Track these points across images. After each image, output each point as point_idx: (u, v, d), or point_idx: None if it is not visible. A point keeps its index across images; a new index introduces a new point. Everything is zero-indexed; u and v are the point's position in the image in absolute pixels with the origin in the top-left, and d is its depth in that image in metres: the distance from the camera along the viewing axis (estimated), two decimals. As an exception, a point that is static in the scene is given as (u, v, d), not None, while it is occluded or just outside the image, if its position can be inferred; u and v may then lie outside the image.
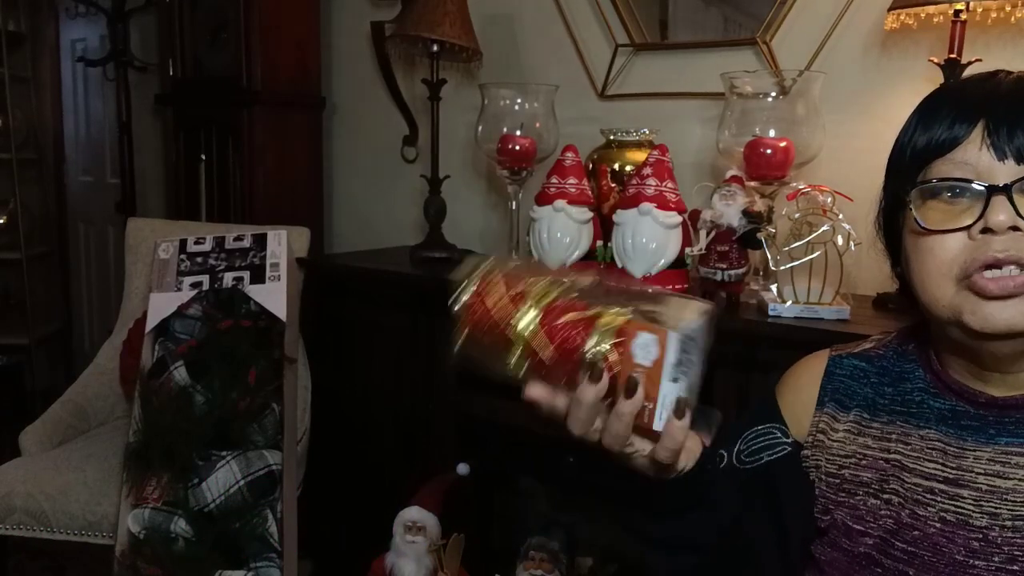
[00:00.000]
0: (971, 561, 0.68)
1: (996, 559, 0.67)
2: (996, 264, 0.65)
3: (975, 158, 0.67)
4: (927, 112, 0.73)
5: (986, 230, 0.65)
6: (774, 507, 0.79)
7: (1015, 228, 0.65)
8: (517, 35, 2.20)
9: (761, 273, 1.59)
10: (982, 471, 0.70)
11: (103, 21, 3.15)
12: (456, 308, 0.65)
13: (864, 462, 0.76)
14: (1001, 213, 0.65)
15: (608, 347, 0.62)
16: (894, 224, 0.76)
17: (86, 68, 3.41)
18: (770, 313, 1.38)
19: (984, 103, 0.68)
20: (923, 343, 0.79)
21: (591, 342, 0.62)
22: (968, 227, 0.67)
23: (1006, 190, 0.65)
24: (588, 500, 0.77)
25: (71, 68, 3.64)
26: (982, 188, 0.66)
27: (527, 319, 0.63)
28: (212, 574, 1.58)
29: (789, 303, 1.38)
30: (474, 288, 0.65)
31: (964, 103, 0.69)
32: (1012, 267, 0.65)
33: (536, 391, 0.65)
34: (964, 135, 0.68)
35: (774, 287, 1.42)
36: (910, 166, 0.73)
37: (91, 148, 3.65)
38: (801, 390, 0.84)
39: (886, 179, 0.78)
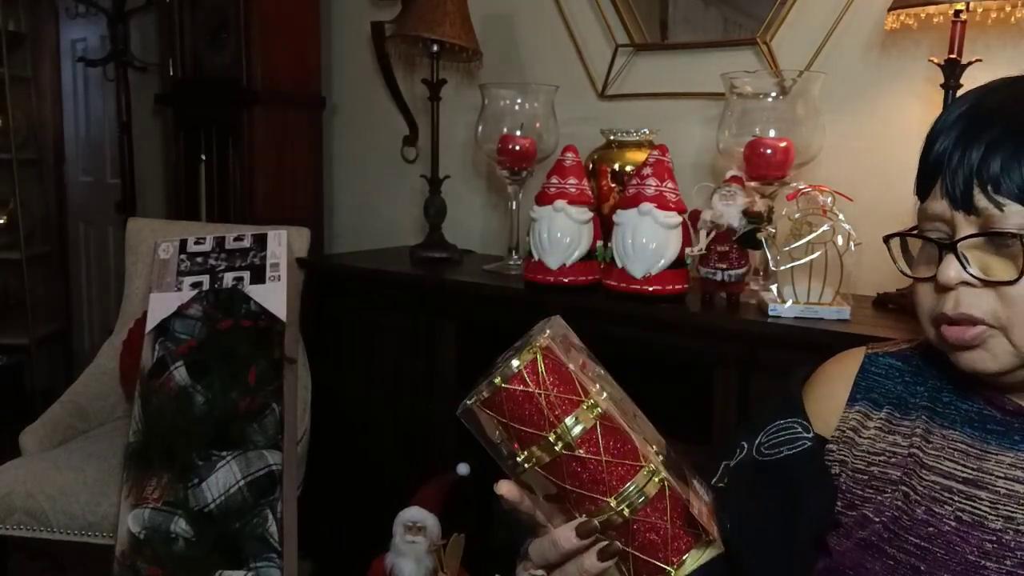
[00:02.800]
0: (983, 562, 0.68)
1: (1008, 562, 0.67)
2: (948, 322, 0.68)
3: (940, 207, 0.69)
4: (924, 145, 0.73)
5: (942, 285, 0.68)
6: (788, 499, 0.79)
7: (968, 283, 0.67)
8: (517, 35, 2.20)
9: (761, 273, 1.59)
10: (1002, 475, 0.70)
11: (103, 21, 3.15)
12: (499, 375, 0.57)
13: (893, 460, 0.76)
14: (950, 270, 0.67)
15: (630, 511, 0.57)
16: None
17: (86, 68, 3.41)
18: (770, 313, 1.38)
19: (946, 145, 0.69)
20: None
21: (622, 495, 0.57)
22: (932, 278, 0.70)
23: (952, 248, 0.67)
24: None
25: (71, 68, 3.64)
26: (934, 245, 0.69)
27: (575, 430, 0.56)
28: (212, 574, 1.58)
29: (789, 303, 1.38)
30: (527, 362, 0.56)
31: (938, 144, 0.70)
32: (966, 324, 0.67)
33: (514, 494, 0.61)
34: (932, 183, 0.70)
35: (774, 287, 1.42)
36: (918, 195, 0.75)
37: (91, 148, 3.65)
38: (833, 386, 0.84)
39: None
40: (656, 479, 0.57)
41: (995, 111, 0.67)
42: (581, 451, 0.56)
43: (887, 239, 0.75)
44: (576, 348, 0.62)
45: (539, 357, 0.57)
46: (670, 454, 0.61)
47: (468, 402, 0.58)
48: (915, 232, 0.72)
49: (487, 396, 0.57)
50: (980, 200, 0.65)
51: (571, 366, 0.58)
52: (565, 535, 0.59)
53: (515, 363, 0.56)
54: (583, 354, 0.62)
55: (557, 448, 0.56)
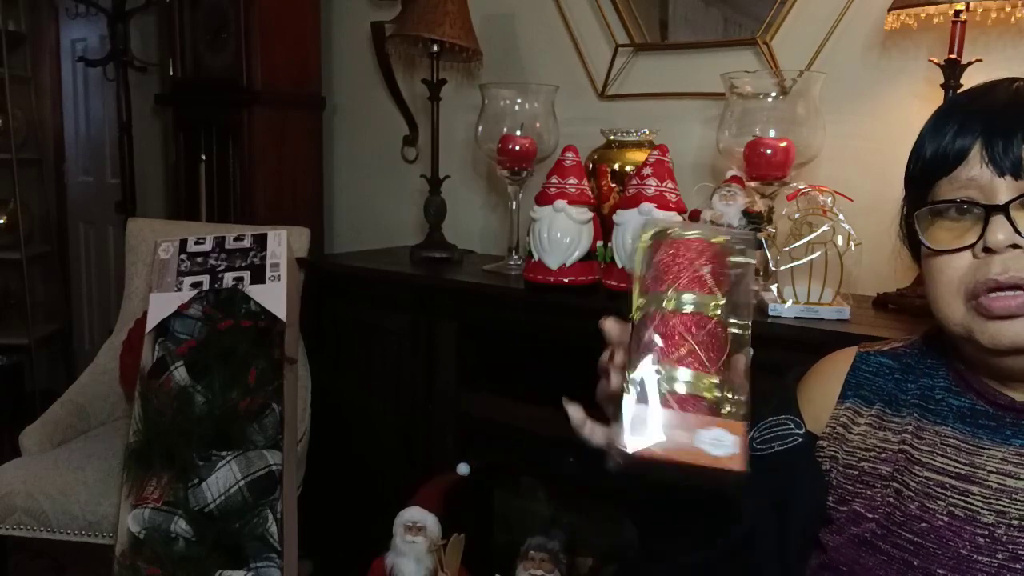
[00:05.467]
0: (975, 556, 0.68)
1: (1000, 556, 0.67)
2: (997, 287, 0.66)
3: (977, 175, 0.68)
4: (933, 127, 0.74)
5: (987, 249, 0.67)
6: (780, 494, 0.80)
7: (1016, 246, 0.66)
8: (517, 35, 2.20)
9: (761, 273, 1.59)
10: (994, 469, 0.70)
11: (103, 21, 3.15)
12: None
13: (883, 456, 0.77)
14: (999, 232, 0.66)
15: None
16: (915, 234, 0.77)
17: (86, 68, 3.41)
18: (770, 313, 1.38)
19: (981, 118, 0.69)
20: (948, 342, 0.80)
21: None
22: (972, 246, 0.68)
23: (1003, 209, 0.66)
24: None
25: (71, 68, 3.64)
26: (981, 210, 0.68)
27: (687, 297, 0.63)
28: (212, 574, 1.58)
29: (789, 303, 1.38)
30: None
31: (964, 118, 0.70)
32: (1015, 290, 0.66)
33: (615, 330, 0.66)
34: (965, 152, 0.69)
35: (774, 287, 1.42)
36: (920, 182, 0.74)
37: (91, 148, 3.66)
38: (825, 383, 0.85)
39: (904, 189, 0.80)
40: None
41: (1022, 93, 0.68)
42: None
43: (912, 212, 0.74)
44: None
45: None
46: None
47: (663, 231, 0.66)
48: (953, 201, 0.70)
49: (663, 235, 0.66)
50: None
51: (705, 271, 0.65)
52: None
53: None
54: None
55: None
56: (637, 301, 0.64)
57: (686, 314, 0.62)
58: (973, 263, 0.68)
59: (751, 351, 0.64)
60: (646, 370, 0.62)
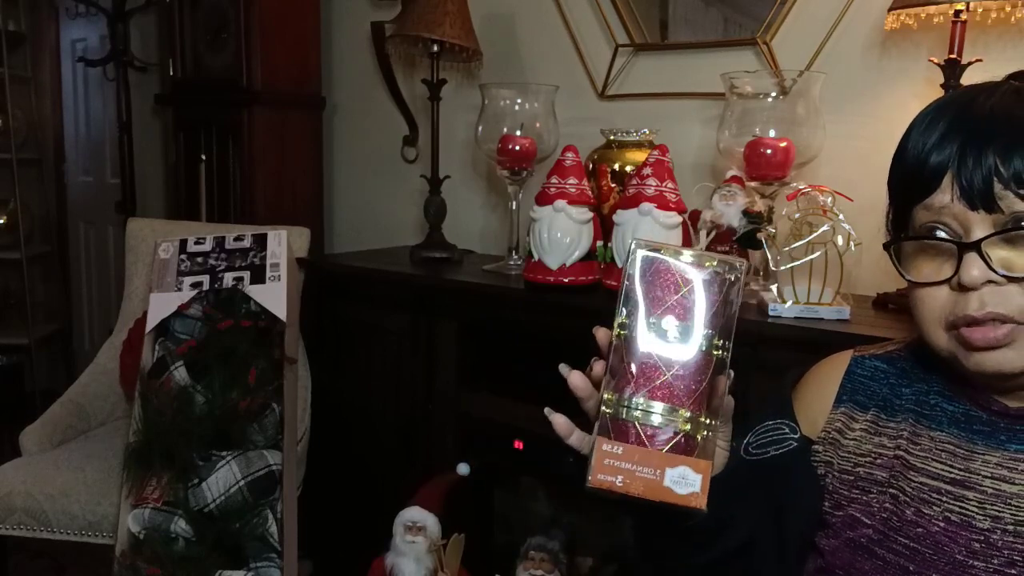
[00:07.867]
0: (971, 562, 0.68)
1: (995, 561, 0.68)
2: (975, 323, 0.66)
3: (950, 204, 0.67)
4: (908, 143, 0.72)
5: (963, 286, 0.66)
6: (774, 499, 0.80)
7: (993, 280, 0.65)
8: (517, 35, 2.20)
9: (761, 273, 1.59)
10: (989, 475, 0.70)
11: (103, 21, 3.15)
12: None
13: (879, 461, 0.77)
14: (974, 269, 0.65)
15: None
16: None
17: (86, 68, 3.41)
18: (770, 313, 1.38)
19: (954, 142, 0.67)
20: None
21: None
22: (948, 280, 0.68)
23: (975, 247, 0.65)
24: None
25: (71, 68, 3.65)
26: (952, 245, 0.67)
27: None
28: (212, 574, 1.58)
29: (789, 303, 1.38)
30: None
31: (938, 141, 0.68)
32: (995, 321, 0.65)
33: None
34: (938, 181, 0.68)
35: (774, 287, 1.42)
36: (900, 198, 0.73)
37: (91, 148, 3.66)
38: (820, 388, 0.85)
39: (887, 194, 0.78)
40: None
41: (995, 114, 0.67)
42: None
43: (888, 246, 0.73)
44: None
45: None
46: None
47: (652, 253, 0.65)
48: (924, 236, 0.70)
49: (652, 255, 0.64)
50: (1005, 198, 0.64)
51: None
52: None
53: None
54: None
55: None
56: (620, 319, 0.64)
57: (667, 344, 0.62)
58: (952, 295, 0.68)
59: (732, 373, 0.64)
60: (621, 398, 0.62)
